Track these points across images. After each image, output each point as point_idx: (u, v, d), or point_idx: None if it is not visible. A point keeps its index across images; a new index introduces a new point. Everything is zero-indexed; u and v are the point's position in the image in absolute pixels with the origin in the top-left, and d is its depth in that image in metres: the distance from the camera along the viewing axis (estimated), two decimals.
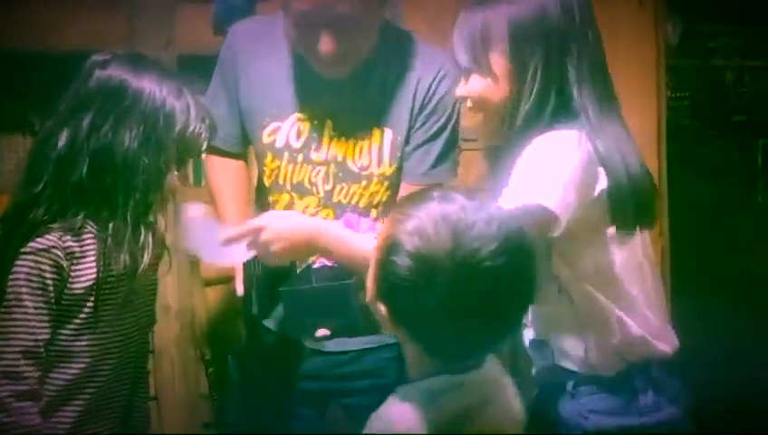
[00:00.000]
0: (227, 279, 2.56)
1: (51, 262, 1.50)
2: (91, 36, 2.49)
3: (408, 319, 1.21)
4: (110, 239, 1.54)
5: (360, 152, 1.88)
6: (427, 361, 1.24)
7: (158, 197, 1.61)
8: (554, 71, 1.52)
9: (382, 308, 1.23)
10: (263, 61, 1.90)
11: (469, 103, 1.61)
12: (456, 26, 1.60)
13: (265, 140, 1.89)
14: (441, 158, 1.91)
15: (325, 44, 1.73)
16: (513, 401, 1.33)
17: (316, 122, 1.88)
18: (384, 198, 1.89)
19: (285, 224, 1.58)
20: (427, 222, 1.18)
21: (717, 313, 2.90)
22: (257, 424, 1.95)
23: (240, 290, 1.78)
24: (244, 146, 1.98)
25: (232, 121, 1.93)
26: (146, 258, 1.59)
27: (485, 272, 1.15)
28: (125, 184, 1.54)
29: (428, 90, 1.88)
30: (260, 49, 1.92)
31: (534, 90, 1.52)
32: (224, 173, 1.98)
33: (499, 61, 1.54)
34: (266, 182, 1.92)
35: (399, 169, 1.90)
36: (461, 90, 1.62)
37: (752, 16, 2.98)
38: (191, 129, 1.59)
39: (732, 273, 3.19)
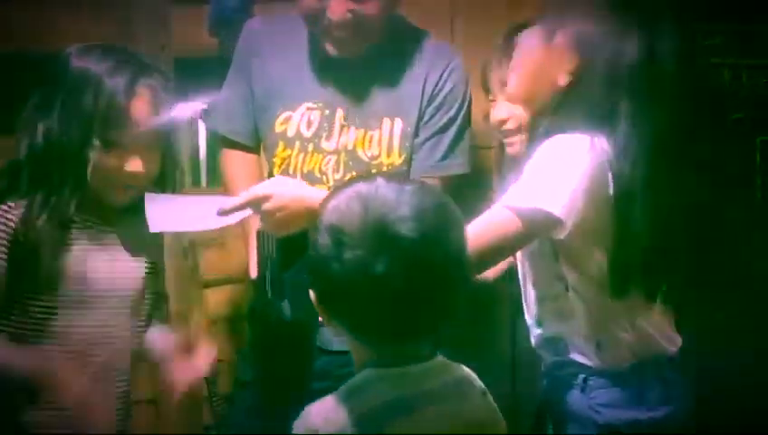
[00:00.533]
0: (227, 281, 2.56)
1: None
2: (87, 40, 2.48)
3: (329, 300, 1.19)
4: (40, 219, 1.52)
5: (371, 142, 1.93)
6: (361, 352, 1.21)
7: (100, 181, 1.57)
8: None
9: (312, 296, 1.22)
10: (276, 54, 1.97)
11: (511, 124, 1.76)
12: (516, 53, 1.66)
13: (277, 129, 1.95)
14: (450, 150, 1.96)
15: (335, 6, 1.78)
16: (473, 404, 1.25)
17: (327, 112, 1.94)
18: None
19: (287, 192, 1.57)
20: (342, 199, 1.19)
21: (717, 310, 2.90)
22: (269, 425, 1.92)
23: (253, 273, 1.78)
24: (257, 140, 2.02)
25: (246, 115, 2.00)
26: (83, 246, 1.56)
27: (398, 241, 1.12)
28: (55, 164, 1.53)
29: (437, 83, 1.94)
30: (273, 42, 1.99)
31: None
32: (239, 165, 2.04)
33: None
34: (276, 173, 1.96)
35: (409, 160, 1.95)
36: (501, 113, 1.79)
37: (749, 14, 2.98)
38: (116, 99, 1.54)
39: (730, 269, 3.19)
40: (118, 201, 1.61)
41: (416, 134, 1.95)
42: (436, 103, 1.96)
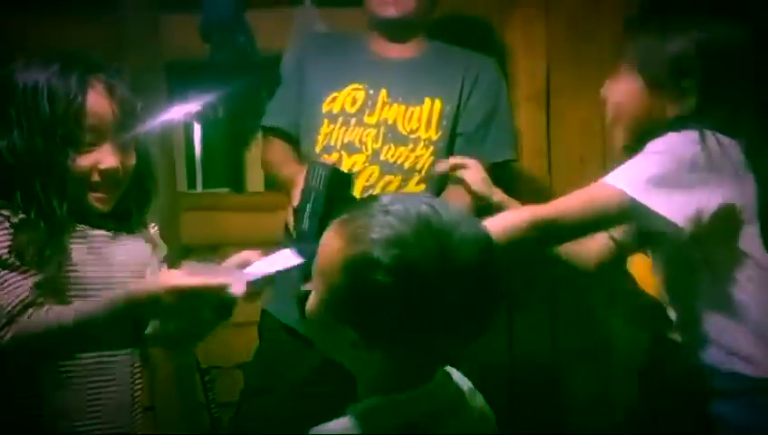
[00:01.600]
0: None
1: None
2: (81, 47, 2.48)
3: (384, 335, 1.07)
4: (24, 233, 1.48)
5: (411, 117, 2.09)
6: (378, 379, 1.12)
7: (79, 186, 1.53)
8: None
9: (348, 332, 1.08)
10: (327, 54, 2.18)
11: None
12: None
13: (324, 109, 2.11)
14: (498, 139, 2.14)
15: None
16: (471, 417, 1.19)
17: (372, 91, 2.11)
18: (427, 164, 2.08)
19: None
20: (402, 229, 1.06)
21: None
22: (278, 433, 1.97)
23: (295, 201, 1.78)
24: (297, 130, 2.19)
25: (297, 111, 2.17)
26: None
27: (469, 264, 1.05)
28: (32, 178, 1.50)
29: (477, 77, 2.14)
30: (325, 47, 2.22)
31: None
32: (285, 150, 2.20)
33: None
34: (317, 149, 2.11)
35: (445, 138, 2.10)
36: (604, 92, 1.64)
37: None
38: (72, 98, 1.50)
39: None
40: (102, 207, 1.59)
41: (455, 119, 2.11)
42: (477, 96, 2.13)
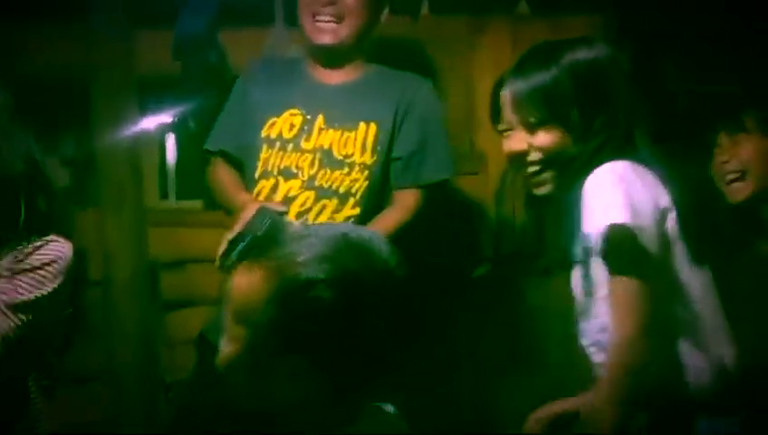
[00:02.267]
0: (188, 302, 2.57)
1: None
2: (52, 61, 2.53)
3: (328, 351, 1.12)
4: None
5: (346, 142, 2.11)
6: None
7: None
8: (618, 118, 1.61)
9: (289, 361, 1.11)
10: (270, 80, 2.21)
11: (535, 156, 1.64)
12: (514, 82, 1.66)
13: (263, 134, 2.14)
14: (432, 160, 2.15)
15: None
16: None
17: (309, 117, 2.14)
18: (363, 187, 2.11)
19: None
20: (324, 247, 1.13)
21: None
22: None
23: (229, 235, 1.88)
24: (238, 151, 2.22)
25: (241, 135, 2.20)
26: None
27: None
28: None
29: (412, 100, 2.16)
30: (269, 73, 2.24)
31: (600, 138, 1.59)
32: (230, 174, 2.22)
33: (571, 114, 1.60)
34: (255, 175, 2.14)
35: (380, 162, 2.12)
36: (520, 144, 1.65)
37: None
38: None
39: None
40: None
41: (390, 143, 2.14)
42: (411, 120, 2.15)
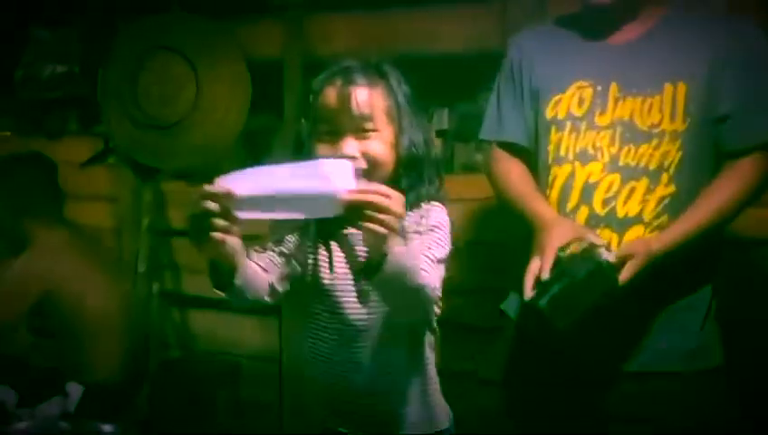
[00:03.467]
0: None
1: None
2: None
3: None
4: None
5: (650, 109, 1.79)
6: None
7: None
8: None
9: None
10: (544, 51, 1.93)
11: None
12: None
13: (548, 115, 1.88)
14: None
15: None
16: None
17: (600, 87, 1.84)
18: (676, 160, 1.78)
19: None
20: None
21: None
22: None
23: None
24: (529, 139, 1.97)
25: (517, 118, 1.96)
26: None
27: None
28: None
29: (737, 47, 1.76)
30: (541, 44, 1.95)
31: None
32: (522, 172, 1.97)
33: None
34: (549, 160, 1.89)
35: (694, 125, 1.77)
36: None
37: None
38: None
39: None
40: None
41: (708, 102, 1.76)
42: (733, 66, 1.75)
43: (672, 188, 1.78)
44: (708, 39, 1.78)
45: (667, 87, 1.79)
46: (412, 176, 1.66)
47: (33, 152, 2.83)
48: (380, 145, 1.63)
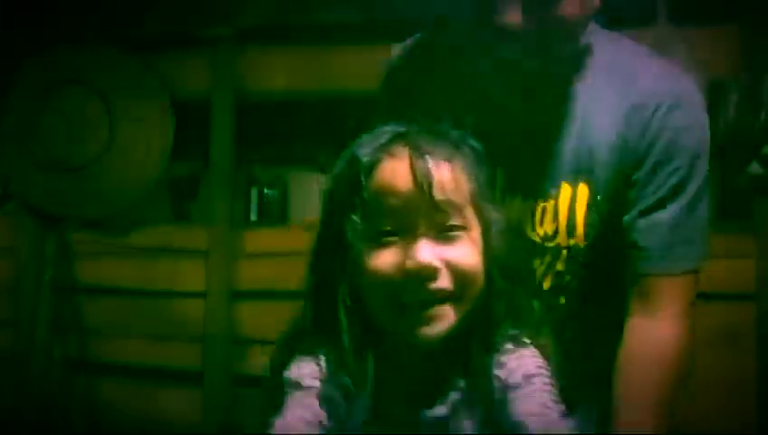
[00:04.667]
0: None
1: None
2: None
3: None
4: None
5: (542, 216, 1.35)
6: None
7: None
8: None
9: None
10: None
11: None
12: None
13: None
14: (684, 233, 1.32)
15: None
16: None
17: None
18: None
19: None
20: None
21: None
22: None
23: None
24: None
25: None
26: None
27: None
28: None
29: (650, 122, 1.30)
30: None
31: None
32: None
33: None
34: None
35: (598, 241, 1.33)
36: None
37: None
38: None
39: None
40: None
41: (613, 206, 1.33)
42: (650, 161, 1.31)
43: None
44: (627, 118, 1.32)
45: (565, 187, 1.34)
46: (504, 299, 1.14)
47: None
48: (470, 251, 1.10)
